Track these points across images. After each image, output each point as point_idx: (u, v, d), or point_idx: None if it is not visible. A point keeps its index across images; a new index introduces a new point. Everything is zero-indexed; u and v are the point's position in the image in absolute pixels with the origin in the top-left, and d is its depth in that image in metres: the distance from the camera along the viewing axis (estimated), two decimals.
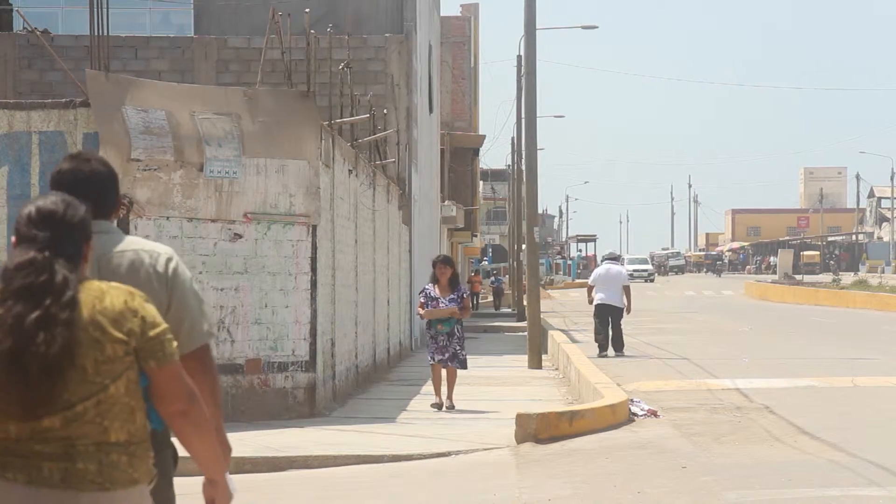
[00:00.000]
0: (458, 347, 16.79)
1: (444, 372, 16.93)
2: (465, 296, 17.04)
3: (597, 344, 26.02)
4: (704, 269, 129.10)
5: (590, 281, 27.40)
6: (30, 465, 3.90)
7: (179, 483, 5.09)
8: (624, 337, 26.40)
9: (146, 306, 4.08)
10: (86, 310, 3.94)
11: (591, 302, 26.32)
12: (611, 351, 25.97)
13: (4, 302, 3.84)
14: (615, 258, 28.00)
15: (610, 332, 26.01)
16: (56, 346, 3.83)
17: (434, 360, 16.86)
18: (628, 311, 26.18)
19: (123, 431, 3.97)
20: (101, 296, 4.00)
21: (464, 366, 16.97)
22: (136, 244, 5.04)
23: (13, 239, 4.06)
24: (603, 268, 26.93)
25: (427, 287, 17.09)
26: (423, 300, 16.92)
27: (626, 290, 26.11)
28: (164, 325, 4.11)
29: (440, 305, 16.72)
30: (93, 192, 4.82)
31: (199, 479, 4.40)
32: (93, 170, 4.92)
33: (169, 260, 4.99)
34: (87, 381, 3.91)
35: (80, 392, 3.91)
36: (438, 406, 16.82)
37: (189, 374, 4.32)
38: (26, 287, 3.85)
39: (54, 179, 4.85)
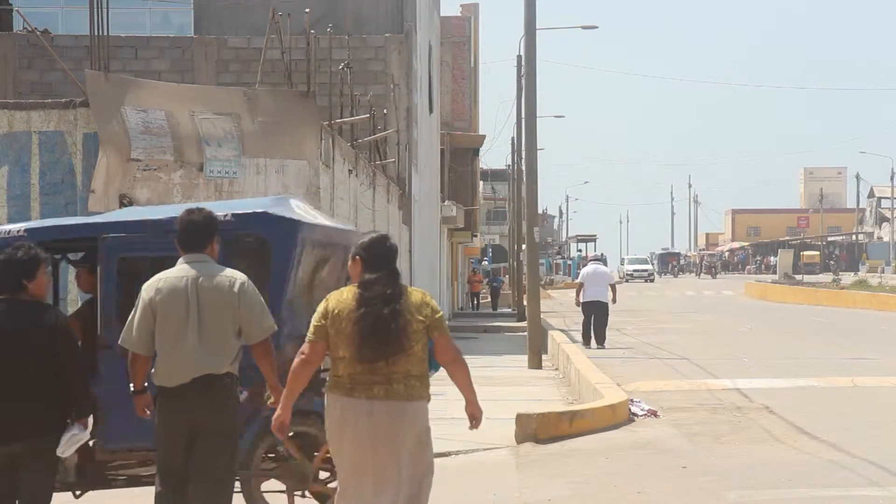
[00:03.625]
0: None
1: None
2: None
3: (582, 336, 28.40)
4: (703, 270, 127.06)
5: (578, 279, 29.59)
6: (367, 388, 7.10)
7: None
8: (606, 331, 28.54)
9: (432, 300, 7.29)
10: (405, 302, 7.14)
11: (578, 303, 28.49)
12: (594, 343, 27.98)
13: (370, 302, 7.07)
14: (600, 259, 31.16)
15: (594, 327, 28.17)
16: (398, 326, 7.06)
17: None
18: (614, 301, 28.45)
19: (418, 370, 7.18)
20: (409, 295, 7.20)
21: None
22: (223, 271, 7.88)
23: (357, 258, 7.20)
24: (590, 267, 29.01)
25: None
26: None
27: (613, 287, 28.44)
28: (441, 312, 7.32)
29: None
30: (204, 234, 7.92)
31: None
32: (198, 219, 7.94)
33: (241, 282, 7.85)
34: (403, 342, 7.09)
35: (399, 349, 7.09)
36: None
37: (256, 355, 7.84)
38: (381, 294, 7.09)
39: (182, 226, 7.91)
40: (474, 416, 7.40)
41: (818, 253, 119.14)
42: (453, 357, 7.25)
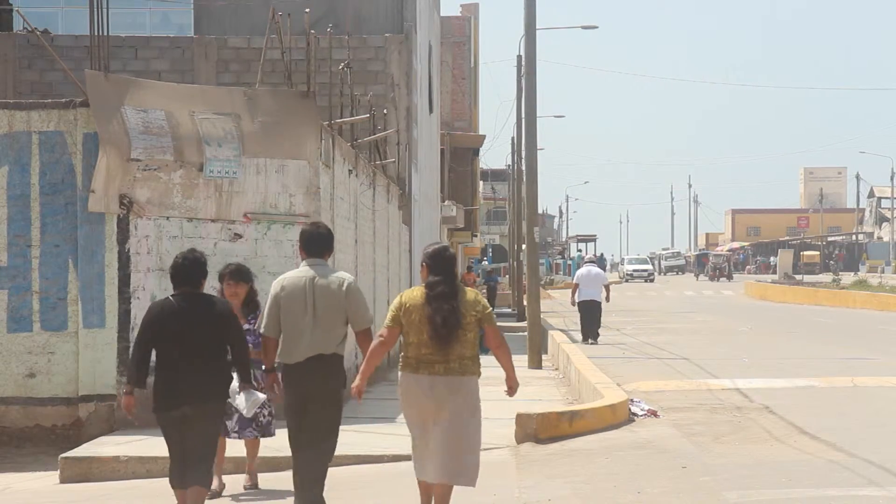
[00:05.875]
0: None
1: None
2: None
3: (581, 333, 30.61)
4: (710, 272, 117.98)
5: (574, 280, 31.73)
6: (429, 366, 9.12)
7: None
8: (601, 329, 30.86)
9: (483, 299, 9.31)
10: (462, 300, 9.16)
11: (573, 303, 30.71)
12: (589, 340, 30.03)
13: (434, 300, 9.10)
14: (594, 261, 33.22)
15: (591, 324, 30.33)
16: (455, 319, 9.08)
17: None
18: (607, 299, 30.75)
19: (470, 352, 9.18)
20: (464, 294, 9.21)
21: (268, 432, 11.87)
22: (334, 273, 9.79)
23: (424, 265, 9.25)
24: (585, 269, 31.21)
25: None
26: None
27: (606, 287, 30.56)
28: (490, 308, 9.33)
29: None
30: (325, 244, 9.88)
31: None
32: (323, 232, 9.93)
33: (348, 282, 9.73)
34: (460, 331, 9.11)
35: (456, 336, 9.11)
36: (217, 494, 11.55)
37: (359, 340, 9.68)
38: (440, 294, 9.12)
39: (301, 233, 9.94)
40: (511, 387, 9.45)
41: (818, 253, 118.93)
42: (499, 343, 9.33)
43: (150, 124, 15.97)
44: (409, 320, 9.14)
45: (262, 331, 9.80)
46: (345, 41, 26.39)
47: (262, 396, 9.96)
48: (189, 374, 9.53)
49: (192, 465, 9.67)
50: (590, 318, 30.36)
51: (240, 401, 9.98)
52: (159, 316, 9.66)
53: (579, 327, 31.22)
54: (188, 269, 9.75)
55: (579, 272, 31.40)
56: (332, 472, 12.58)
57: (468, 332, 9.15)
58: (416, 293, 9.23)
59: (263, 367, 9.92)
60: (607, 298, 30.60)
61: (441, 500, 9.20)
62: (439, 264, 9.24)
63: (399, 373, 9.29)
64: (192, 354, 9.54)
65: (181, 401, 9.54)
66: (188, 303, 9.66)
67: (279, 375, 9.84)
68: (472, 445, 9.20)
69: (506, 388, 9.47)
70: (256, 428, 11.66)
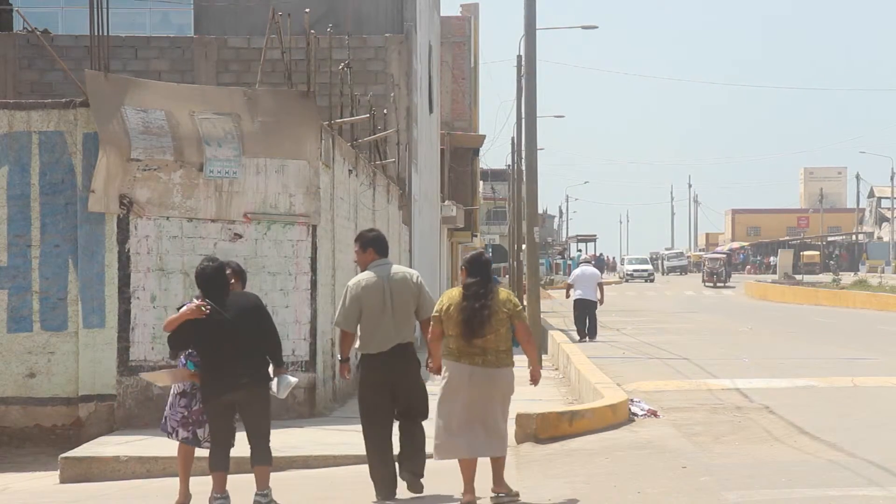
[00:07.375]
0: None
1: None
2: None
3: (577, 330, 31.46)
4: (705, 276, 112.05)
5: (569, 280, 33.25)
6: (470, 357, 10.37)
7: None
8: (598, 327, 31.93)
9: (514, 297, 10.55)
10: (494, 299, 10.36)
11: (567, 297, 32.14)
12: (587, 337, 30.96)
13: (468, 298, 10.34)
14: (589, 261, 34.77)
15: (587, 322, 31.28)
16: (486, 314, 10.30)
17: (178, 436, 10.68)
18: (601, 302, 31.53)
19: (505, 345, 10.38)
20: (497, 293, 10.43)
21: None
22: (403, 269, 11.04)
23: (463, 268, 10.59)
24: (580, 269, 32.36)
25: (192, 304, 10.49)
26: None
27: (600, 286, 31.47)
28: (521, 306, 10.58)
29: None
30: (388, 245, 11.04)
31: None
32: (384, 236, 11.11)
33: (418, 277, 10.98)
34: (493, 326, 10.33)
35: (490, 331, 10.33)
36: None
37: (424, 327, 10.82)
38: (475, 293, 10.36)
39: (371, 239, 10.98)
40: (534, 376, 10.74)
41: (818, 253, 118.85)
42: (527, 338, 10.55)
43: (150, 124, 15.97)
44: (449, 316, 10.43)
45: (341, 326, 10.84)
46: (345, 41, 26.40)
47: (294, 380, 10.50)
48: (235, 366, 10.30)
49: (253, 445, 10.44)
50: (584, 317, 31.29)
51: (273, 385, 10.53)
52: (198, 320, 10.29)
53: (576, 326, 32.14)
54: (213, 278, 10.41)
55: (575, 272, 32.62)
56: (333, 472, 12.60)
57: (501, 327, 10.38)
58: (454, 293, 10.57)
59: (339, 357, 11.01)
60: (601, 300, 31.41)
61: (498, 469, 10.57)
62: (475, 268, 10.54)
63: (443, 361, 10.50)
64: (236, 348, 10.29)
65: (230, 388, 10.29)
66: (223, 303, 10.36)
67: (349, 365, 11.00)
68: (504, 421, 10.58)
69: (531, 379, 10.70)
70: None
